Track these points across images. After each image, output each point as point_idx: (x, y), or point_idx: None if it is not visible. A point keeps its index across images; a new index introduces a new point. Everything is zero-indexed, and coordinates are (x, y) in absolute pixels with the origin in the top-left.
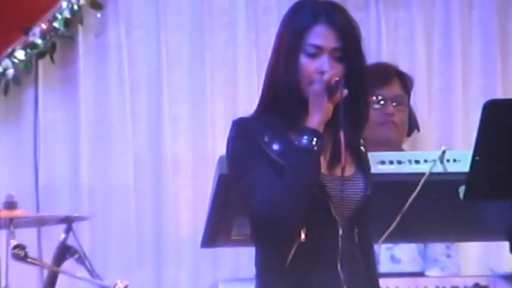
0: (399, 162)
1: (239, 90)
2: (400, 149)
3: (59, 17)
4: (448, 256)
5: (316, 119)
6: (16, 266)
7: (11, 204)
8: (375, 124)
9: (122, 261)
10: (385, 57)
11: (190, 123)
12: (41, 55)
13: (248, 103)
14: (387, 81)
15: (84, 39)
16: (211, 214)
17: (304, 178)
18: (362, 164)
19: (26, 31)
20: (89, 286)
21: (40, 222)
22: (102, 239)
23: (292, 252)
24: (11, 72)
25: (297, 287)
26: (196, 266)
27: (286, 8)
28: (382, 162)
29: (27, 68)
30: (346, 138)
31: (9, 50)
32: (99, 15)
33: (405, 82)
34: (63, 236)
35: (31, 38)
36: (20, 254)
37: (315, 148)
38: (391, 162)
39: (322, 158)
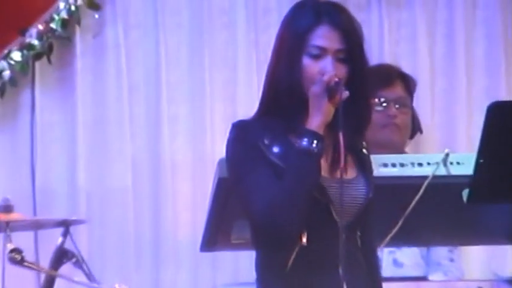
0: (402, 165)
1: (239, 91)
2: (403, 152)
3: (56, 17)
4: (451, 260)
5: (316, 121)
6: (13, 270)
7: (7, 208)
8: (377, 126)
9: (120, 265)
10: (388, 58)
11: (189, 125)
12: (37, 56)
13: (248, 104)
14: (390, 83)
15: (81, 40)
16: (211, 217)
17: (304, 181)
18: (364, 166)
19: (23, 32)
20: None
21: (37, 226)
22: (100, 243)
23: (293, 256)
24: (7, 73)
25: None
26: (196, 270)
27: (286, 9)
28: (385, 165)
29: (24, 70)
30: (348, 140)
31: (6, 51)
32: (96, 15)
33: (408, 84)
34: (60, 239)
35: (28, 39)
36: (16, 258)
37: (315, 150)
38: (394, 165)
39: (323, 161)
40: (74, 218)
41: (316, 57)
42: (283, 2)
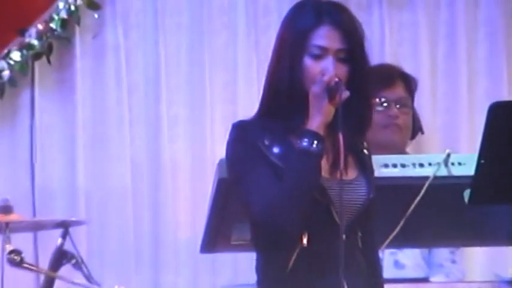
0: (403, 166)
1: (239, 92)
2: (404, 152)
3: (56, 17)
4: (453, 261)
5: (316, 121)
6: (12, 272)
7: (6, 209)
8: (378, 127)
9: (119, 266)
10: (389, 59)
11: (189, 126)
12: (37, 56)
13: (248, 105)
14: (391, 83)
15: (81, 40)
16: (211, 219)
17: (304, 181)
18: (365, 167)
19: (22, 32)
20: None
21: (36, 227)
22: (99, 244)
23: (294, 257)
24: (6, 74)
25: None
26: (195, 272)
27: (286, 9)
28: (386, 166)
29: (23, 70)
30: (348, 140)
31: (5, 51)
32: (96, 15)
33: (409, 84)
34: (59, 240)
35: (27, 39)
36: (15, 259)
37: (316, 151)
38: (395, 166)
39: (323, 161)
40: (73, 219)
41: (317, 57)
42: (283, 2)
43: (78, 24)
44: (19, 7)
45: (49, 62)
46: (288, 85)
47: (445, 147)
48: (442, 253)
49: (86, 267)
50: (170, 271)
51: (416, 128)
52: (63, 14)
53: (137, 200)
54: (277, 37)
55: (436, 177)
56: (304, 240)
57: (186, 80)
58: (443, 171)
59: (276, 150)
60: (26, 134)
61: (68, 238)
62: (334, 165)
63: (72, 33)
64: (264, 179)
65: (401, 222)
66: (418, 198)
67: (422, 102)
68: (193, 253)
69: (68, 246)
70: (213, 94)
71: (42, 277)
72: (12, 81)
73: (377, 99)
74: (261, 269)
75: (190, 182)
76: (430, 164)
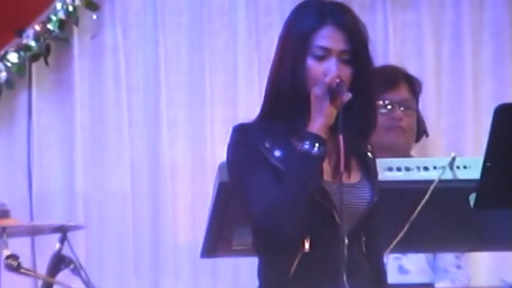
0: (407, 169)
1: (239, 94)
2: (408, 155)
3: (53, 18)
4: (458, 267)
5: (318, 124)
6: (9, 277)
7: (3, 213)
8: (382, 129)
9: (118, 271)
10: (393, 60)
11: (189, 128)
12: (34, 58)
13: (248, 106)
14: (395, 85)
15: (79, 41)
16: (212, 223)
17: (305, 184)
18: (369, 170)
19: (19, 33)
20: None
21: (34, 232)
22: (98, 249)
23: (296, 262)
24: (3, 75)
25: None
26: (195, 277)
27: (287, 9)
28: (390, 169)
29: (21, 71)
30: (351, 143)
31: (2, 52)
32: (94, 16)
33: (413, 86)
34: (57, 245)
35: (24, 40)
36: (13, 264)
37: (317, 153)
38: (399, 169)
39: (326, 164)
40: (71, 223)
41: (320, 58)
42: (284, 1)
43: (77, 24)
44: (16, 8)
45: (46, 63)
46: (290, 86)
47: (450, 150)
48: (447, 258)
49: (85, 273)
50: (170, 276)
51: (420, 131)
52: (61, 15)
53: (136, 204)
54: (280, 38)
55: (441, 181)
56: (306, 245)
57: (186, 80)
58: (448, 175)
59: (277, 153)
60: (23, 137)
61: (66, 243)
62: (336, 169)
63: (70, 33)
64: (264, 182)
65: (406, 227)
66: (423, 202)
67: (427, 104)
68: (193, 257)
69: (66, 251)
70: (213, 95)
71: (40, 282)
72: (9, 83)
73: (381, 101)
74: (263, 273)
75: (191, 185)
76: (435, 168)
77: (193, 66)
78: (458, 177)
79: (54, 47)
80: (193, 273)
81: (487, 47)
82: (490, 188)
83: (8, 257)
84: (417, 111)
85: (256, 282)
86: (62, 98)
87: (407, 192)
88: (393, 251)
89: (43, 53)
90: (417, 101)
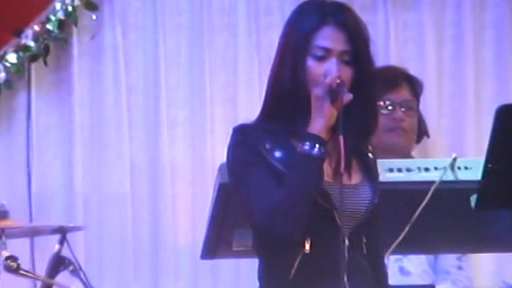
0: (408, 170)
1: (239, 94)
2: (409, 156)
3: (53, 18)
4: (460, 268)
5: (318, 124)
6: (8, 278)
7: (2, 214)
8: (382, 130)
9: (118, 273)
10: (394, 61)
11: (189, 128)
12: (33, 58)
13: (249, 107)
14: (396, 86)
15: (78, 42)
16: (212, 224)
17: (305, 185)
18: (370, 171)
19: (18, 33)
20: None
21: (33, 233)
22: (97, 250)
23: (296, 263)
24: (2, 76)
25: None
26: (195, 278)
27: (288, 8)
28: (391, 170)
29: (20, 72)
30: (352, 144)
31: (1, 53)
32: (94, 16)
33: (414, 86)
34: (57, 247)
35: (23, 41)
36: (12, 265)
37: (317, 154)
38: (400, 170)
39: (327, 165)
40: (71, 224)
41: (321, 58)
42: (285, 1)
43: (76, 25)
44: (15, 8)
45: (46, 63)
46: (291, 87)
47: (451, 151)
48: (448, 259)
49: (84, 274)
50: (170, 277)
51: (421, 132)
52: (60, 15)
53: (136, 205)
54: (280, 38)
55: (442, 182)
56: (307, 246)
57: (186, 80)
58: (449, 176)
59: (277, 154)
60: (23, 137)
61: (65, 244)
62: (337, 169)
63: (69, 34)
64: (265, 183)
65: (407, 228)
66: (424, 203)
67: (428, 105)
68: (193, 259)
69: (65, 252)
70: (213, 95)
71: (39, 284)
72: (8, 83)
73: (382, 102)
74: (263, 275)
75: (191, 186)
76: (436, 169)
77: (193, 67)
78: (460, 178)
79: (53, 47)
80: (193, 275)
81: (489, 48)
82: (491, 189)
83: (7, 258)
84: (418, 112)
85: (257, 284)
86: (61, 99)
87: (408, 193)
88: (394, 252)
89: (42, 54)
90: (418, 102)
